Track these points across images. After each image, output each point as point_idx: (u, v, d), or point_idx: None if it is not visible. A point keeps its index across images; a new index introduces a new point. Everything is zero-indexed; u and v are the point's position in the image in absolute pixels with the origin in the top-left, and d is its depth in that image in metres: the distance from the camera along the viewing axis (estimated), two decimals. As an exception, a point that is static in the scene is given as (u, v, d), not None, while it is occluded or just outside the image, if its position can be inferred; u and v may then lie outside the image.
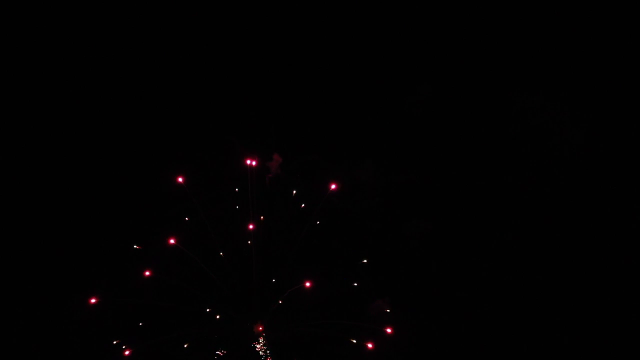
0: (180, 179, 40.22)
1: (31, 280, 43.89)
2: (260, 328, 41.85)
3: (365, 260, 42.50)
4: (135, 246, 42.76)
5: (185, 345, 41.46)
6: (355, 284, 42.40)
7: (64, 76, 46.59)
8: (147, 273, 40.16)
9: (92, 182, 45.93)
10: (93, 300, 39.47)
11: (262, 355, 41.41)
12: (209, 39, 46.91)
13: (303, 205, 42.82)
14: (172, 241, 39.96)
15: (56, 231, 44.97)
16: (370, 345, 38.85)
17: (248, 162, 39.98)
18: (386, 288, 43.65)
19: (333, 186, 40.14)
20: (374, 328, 40.91)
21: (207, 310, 41.81)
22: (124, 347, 39.91)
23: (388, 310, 42.17)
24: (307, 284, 39.11)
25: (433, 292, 43.52)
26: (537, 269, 42.26)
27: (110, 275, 43.09)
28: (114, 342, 41.38)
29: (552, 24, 41.45)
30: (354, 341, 39.89)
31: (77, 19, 46.39)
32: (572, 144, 40.38)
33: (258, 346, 41.77)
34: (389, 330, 39.33)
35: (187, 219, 43.43)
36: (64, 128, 46.39)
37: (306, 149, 45.71)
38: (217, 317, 41.87)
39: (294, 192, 43.69)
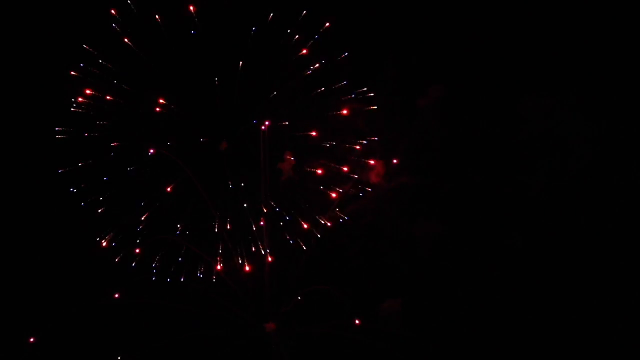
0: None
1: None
2: (272, 327, 41.84)
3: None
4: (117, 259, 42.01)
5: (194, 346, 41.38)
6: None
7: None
8: (117, 296, 39.79)
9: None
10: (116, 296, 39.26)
11: (274, 355, 41.41)
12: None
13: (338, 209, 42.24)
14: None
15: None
16: None
17: (263, 127, 38.58)
18: (397, 290, 43.79)
19: (395, 161, 39.22)
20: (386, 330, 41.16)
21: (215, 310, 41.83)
22: None
23: (399, 311, 42.30)
24: (357, 322, 39.02)
25: (444, 293, 43.68)
26: (548, 271, 42.51)
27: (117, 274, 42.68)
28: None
29: (566, 26, 41.77)
30: None
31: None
32: (584, 147, 40.75)
33: (270, 345, 41.78)
34: None
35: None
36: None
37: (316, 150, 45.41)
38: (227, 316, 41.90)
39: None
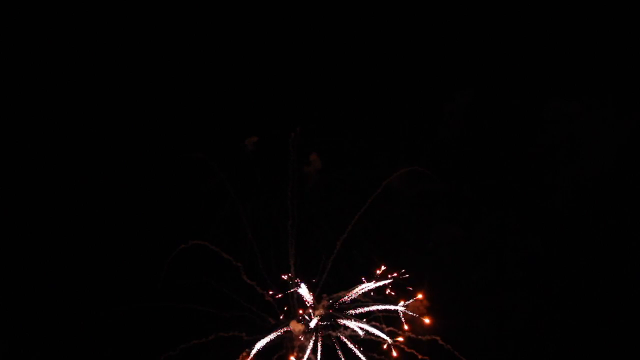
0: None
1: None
2: (300, 328, 42.03)
3: None
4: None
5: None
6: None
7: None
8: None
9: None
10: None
11: (302, 354, 41.61)
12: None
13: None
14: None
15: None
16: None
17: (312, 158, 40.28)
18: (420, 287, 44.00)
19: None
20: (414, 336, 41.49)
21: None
22: None
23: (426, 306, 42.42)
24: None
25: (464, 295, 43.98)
26: (567, 274, 42.82)
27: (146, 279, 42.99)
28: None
29: (593, 33, 42.17)
30: None
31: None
32: (607, 152, 41.08)
33: (298, 345, 41.98)
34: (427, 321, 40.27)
35: None
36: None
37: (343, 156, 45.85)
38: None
39: None
